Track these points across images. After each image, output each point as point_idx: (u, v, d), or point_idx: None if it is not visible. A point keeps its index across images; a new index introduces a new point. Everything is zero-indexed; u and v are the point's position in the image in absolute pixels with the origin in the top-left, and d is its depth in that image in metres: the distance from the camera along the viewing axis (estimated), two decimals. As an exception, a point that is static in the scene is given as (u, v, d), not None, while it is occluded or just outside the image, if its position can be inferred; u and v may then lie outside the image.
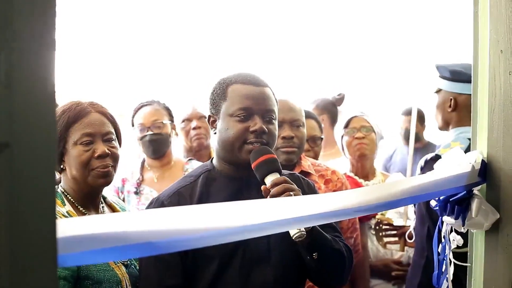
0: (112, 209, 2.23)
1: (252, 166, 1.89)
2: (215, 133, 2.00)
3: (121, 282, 1.98)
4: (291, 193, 1.77)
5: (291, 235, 1.76)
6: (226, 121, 1.94)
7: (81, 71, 6.46)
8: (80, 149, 2.00)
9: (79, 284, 1.90)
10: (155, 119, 3.38)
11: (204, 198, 1.96)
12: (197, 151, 3.60)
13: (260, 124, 1.92)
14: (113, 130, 2.08)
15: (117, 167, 2.09)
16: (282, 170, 1.94)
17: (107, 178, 2.05)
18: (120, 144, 2.14)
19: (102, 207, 2.17)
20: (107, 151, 2.01)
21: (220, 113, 1.97)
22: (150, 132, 3.35)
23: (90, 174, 2.02)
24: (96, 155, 2.00)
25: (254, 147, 1.91)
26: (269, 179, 1.84)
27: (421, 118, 5.25)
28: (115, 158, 2.06)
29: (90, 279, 1.91)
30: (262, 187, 1.84)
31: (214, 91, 2.02)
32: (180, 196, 1.97)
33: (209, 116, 2.03)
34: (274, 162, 1.88)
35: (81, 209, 2.06)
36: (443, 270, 1.96)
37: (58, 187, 2.08)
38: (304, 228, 1.77)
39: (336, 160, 4.21)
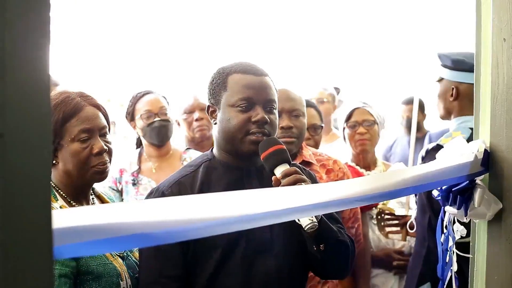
0: (101, 199, 2.19)
1: (261, 156, 1.88)
2: (215, 124, 1.99)
3: (120, 274, 1.97)
4: (303, 183, 1.77)
5: (303, 226, 1.76)
6: (228, 111, 1.93)
7: (82, 62, 6.45)
8: (78, 146, 1.94)
9: (80, 279, 1.87)
10: (161, 106, 3.41)
11: (205, 187, 1.95)
12: (200, 142, 3.60)
13: (262, 114, 1.91)
14: (106, 123, 2.04)
15: (111, 161, 2.07)
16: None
17: (104, 175, 2.02)
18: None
19: (92, 198, 2.14)
20: (104, 147, 1.97)
21: (220, 103, 1.95)
22: (158, 118, 3.36)
23: (88, 171, 1.98)
24: (94, 152, 1.95)
25: (257, 138, 1.90)
26: (279, 170, 1.84)
27: (421, 107, 5.23)
28: (110, 153, 2.03)
29: (90, 274, 1.89)
30: (273, 177, 1.83)
31: (213, 81, 2.00)
32: (181, 186, 1.96)
33: (209, 107, 2.01)
34: (283, 153, 1.87)
35: (73, 203, 2.02)
36: (447, 261, 1.95)
37: None
38: (316, 218, 1.77)
39: (332, 144, 4.20)
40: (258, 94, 1.93)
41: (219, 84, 1.97)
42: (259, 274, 1.92)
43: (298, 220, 1.79)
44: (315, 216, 1.78)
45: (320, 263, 1.98)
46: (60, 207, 1.96)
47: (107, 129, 2.04)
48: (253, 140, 1.90)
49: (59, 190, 2.01)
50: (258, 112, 1.91)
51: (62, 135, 1.94)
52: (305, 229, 1.76)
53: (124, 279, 1.98)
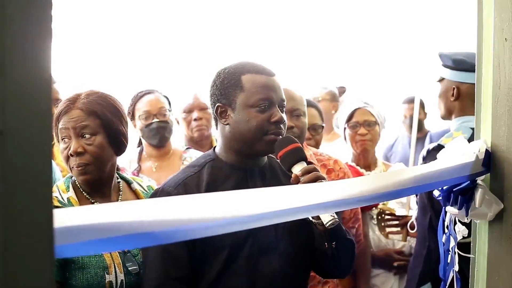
0: (137, 196, 2.22)
1: (278, 155, 1.90)
2: (227, 124, 1.96)
3: (108, 267, 1.98)
4: (322, 180, 1.79)
5: (325, 223, 1.77)
6: (246, 112, 1.92)
7: (80, 60, 6.44)
8: (61, 145, 2.04)
9: (66, 267, 1.92)
10: (160, 107, 3.37)
11: (211, 188, 1.94)
12: (198, 141, 3.58)
13: (280, 114, 1.93)
14: (94, 125, 2.03)
15: (101, 162, 2.06)
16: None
17: (84, 176, 2.04)
18: (116, 136, 2.09)
19: (120, 194, 2.17)
20: (79, 149, 2.00)
21: (235, 103, 1.94)
22: (156, 120, 3.34)
23: (71, 171, 2.05)
24: (69, 153, 2.02)
25: (274, 138, 1.92)
26: (298, 168, 1.85)
27: (421, 105, 5.23)
28: (93, 154, 2.03)
29: (75, 263, 1.93)
30: (293, 175, 1.84)
31: (224, 81, 1.97)
32: (187, 186, 1.94)
33: (218, 107, 1.98)
34: (301, 151, 1.89)
35: (86, 195, 2.08)
36: (448, 261, 1.94)
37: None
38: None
39: (332, 144, 4.20)
40: (275, 94, 1.95)
41: (232, 84, 1.95)
42: (265, 274, 1.92)
43: (312, 217, 1.81)
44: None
45: (329, 261, 1.99)
46: (68, 198, 2.03)
47: (91, 130, 2.03)
48: (271, 140, 1.92)
49: (76, 181, 2.09)
50: (276, 113, 1.93)
51: (57, 134, 2.06)
52: (326, 225, 1.77)
53: (113, 273, 1.98)
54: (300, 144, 1.92)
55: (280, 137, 1.93)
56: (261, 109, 1.92)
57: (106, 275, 1.97)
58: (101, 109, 2.05)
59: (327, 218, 1.76)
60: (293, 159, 1.87)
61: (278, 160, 1.94)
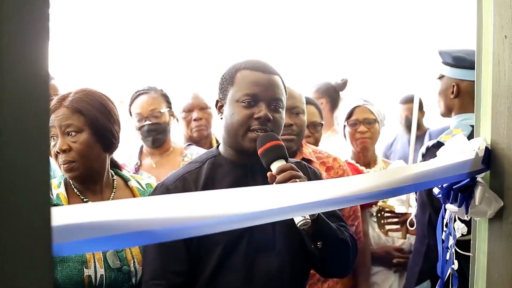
0: (133, 194, 2.23)
1: (258, 152, 1.88)
2: (221, 118, 1.99)
3: (87, 262, 1.98)
4: (297, 180, 1.76)
5: (296, 223, 1.75)
6: (233, 106, 1.93)
7: (84, 59, 6.44)
8: (51, 143, 2.06)
9: None
10: (152, 109, 3.34)
11: (210, 184, 1.95)
12: (197, 141, 3.57)
13: (265, 111, 1.90)
14: (79, 122, 2.05)
15: (87, 159, 2.07)
16: (289, 158, 1.93)
17: (71, 173, 2.07)
18: (102, 133, 2.09)
19: (113, 192, 2.18)
20: (64, 147, 2.03)
21: (227, 98, 1.96)
22: (148, 122, 3.31)
23: (60, 168, 2.08)
24: (55, 150, 2.05)
25: (257, 135, 1.90)
26: (275, 166, 1.83)
27: (419, 104, 5.21)
28: (78, 152, 2.05)
29: (55, 256, 1.92)
30: (268, 173, 1.83)
31: (223, 76, 2.01)
32: (185, 181, 1.96)
33: (217, 101, 2.02)
34: (280, 149, 1.87)
35: (77, 192, 2.11)
36: (447, 259, 1.94)
37: None
38: (309, 216, 1.76)
39: (331, 140, 4.20)
40: (263, 92, 1.93)
41: (227, 79, 1.98)
42: (262, 271, 1.92)
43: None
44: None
45: (320, 261, 1.97)
46: (57, 195, 2.06)
47: (75, 128, 2.04)
48: (253, 137, 1.90)
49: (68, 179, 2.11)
50: (262, 109, 1.91)
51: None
52: (298, 226, 1.75)
53: (92, 267, 1.99)
54: (282, 142, 1.90)
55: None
56: (245, 105, 1.92)
57: (85, 269, 1.97)
58: (86, 107, 2.06)
59: (297, 219, 1.74)
60: (272, 156, 1.85)
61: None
